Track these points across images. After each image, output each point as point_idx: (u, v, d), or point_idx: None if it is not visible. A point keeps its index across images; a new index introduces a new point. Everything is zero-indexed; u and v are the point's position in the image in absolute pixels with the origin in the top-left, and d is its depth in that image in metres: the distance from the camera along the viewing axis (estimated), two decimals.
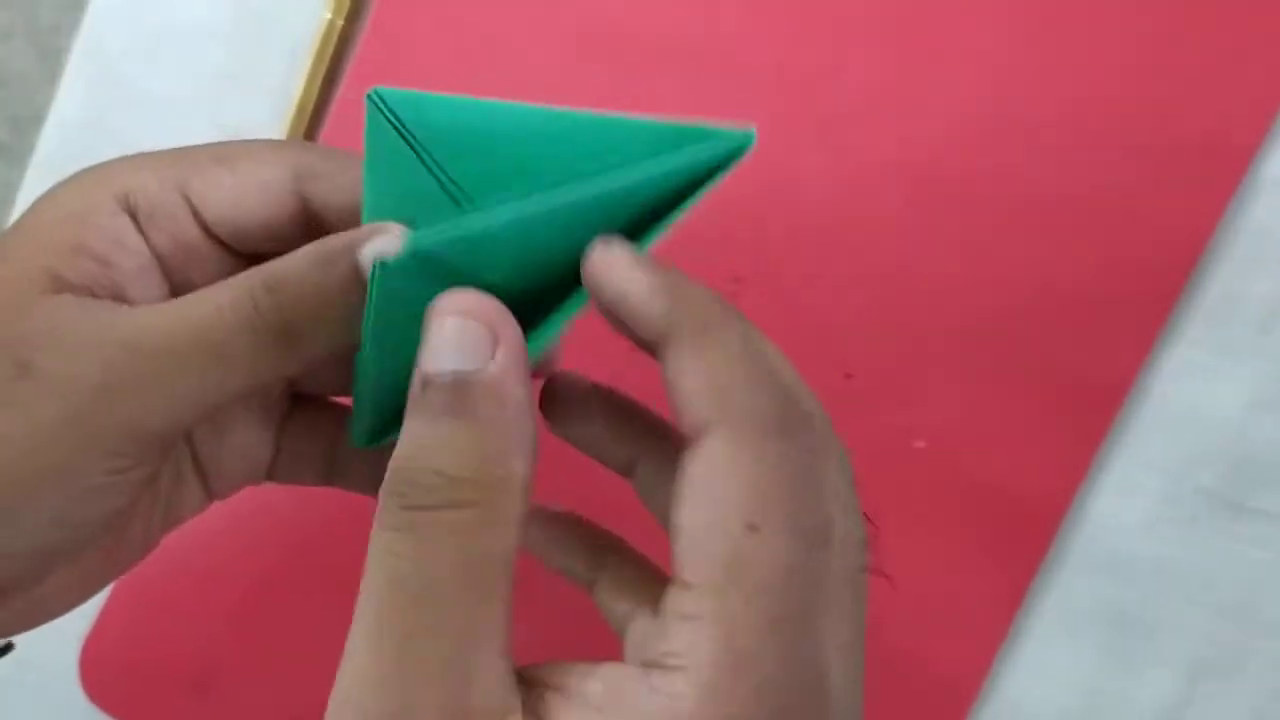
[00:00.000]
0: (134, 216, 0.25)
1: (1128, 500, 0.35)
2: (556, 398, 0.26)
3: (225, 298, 0.22)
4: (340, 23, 0.41)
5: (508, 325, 0.21)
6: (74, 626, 0.42)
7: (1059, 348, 0.35)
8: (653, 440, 0.26)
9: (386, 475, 0.21)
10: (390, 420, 0.25)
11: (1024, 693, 0.35)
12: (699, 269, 0.38)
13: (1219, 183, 0.34)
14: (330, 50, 0.40)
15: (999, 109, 0.36)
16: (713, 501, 0.20)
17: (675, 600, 0.20)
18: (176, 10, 0.41)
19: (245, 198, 0.25)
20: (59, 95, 0.42)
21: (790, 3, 0.38)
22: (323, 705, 0.20)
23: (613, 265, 0.22)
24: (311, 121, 0.40)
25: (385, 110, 0.23)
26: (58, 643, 0.42)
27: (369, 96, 0.23)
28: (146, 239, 0.25)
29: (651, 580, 0.26)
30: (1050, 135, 0.36)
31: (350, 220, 0.25)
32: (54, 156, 0.42)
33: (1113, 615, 0.35)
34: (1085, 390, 0.35)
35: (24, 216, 0.25)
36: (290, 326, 0.22)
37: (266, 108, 0.40)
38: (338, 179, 0.25)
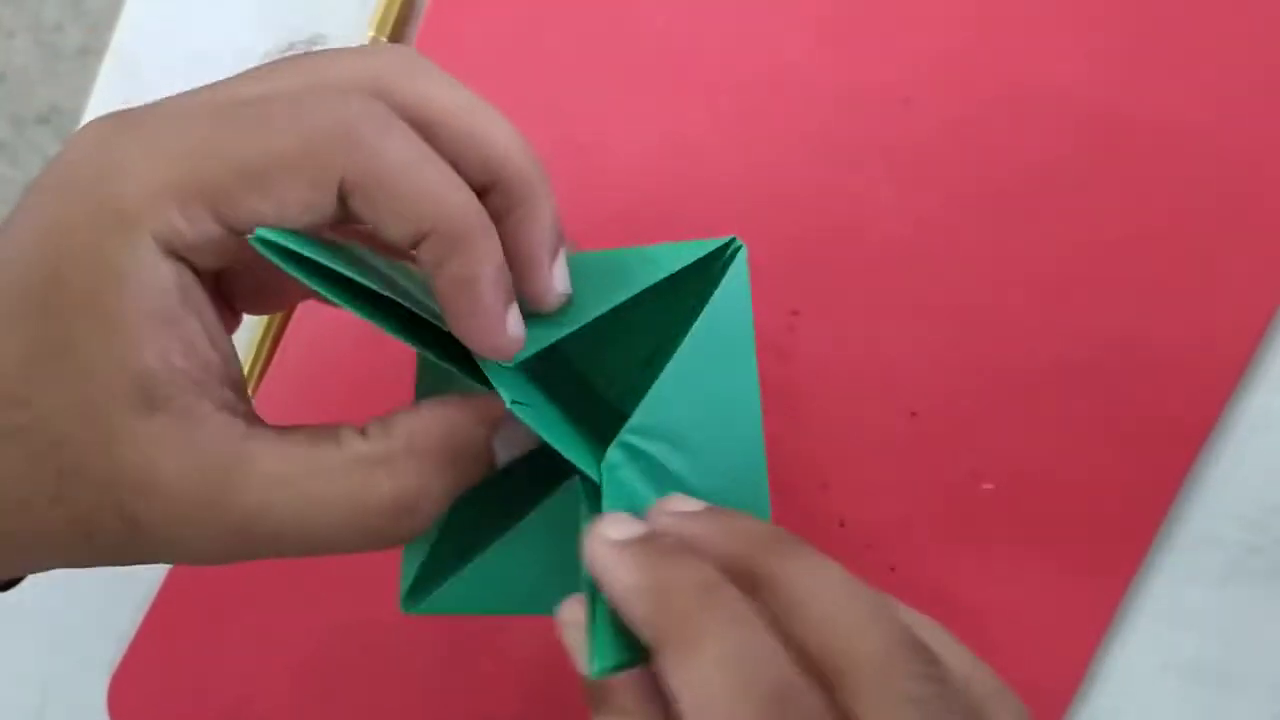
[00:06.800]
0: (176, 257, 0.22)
1: (1207, 550, 0.33)
2: None
3: (355, 503, 0.23)
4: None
5: None
6: (103, 657, 0.41)
7: (1135, 391, 0.34)
8: None
9: None
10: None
11: None
12: (755, 301, 0.37)
13: None
14: None
15: (1074, 145, 0.35)
16: None
17: None
18: (213, 35, 0.40)
19: (285, 223, 0.22)
20: (86, 116, 0.40)
21: (859, 31, 0.37)
22: None
23: (596, 553, 0.22)
24: None
25: None
26: (86, 674, 0.41)
27: None
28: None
29: None
30: (1126, 171, 0.34)
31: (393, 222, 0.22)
32: None
33: (1191, 668, 0.34)
34: (1162, 437, 0.34)
35: (36, 254, 0.21)
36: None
37: None
38: (387, 201, 0.22)
